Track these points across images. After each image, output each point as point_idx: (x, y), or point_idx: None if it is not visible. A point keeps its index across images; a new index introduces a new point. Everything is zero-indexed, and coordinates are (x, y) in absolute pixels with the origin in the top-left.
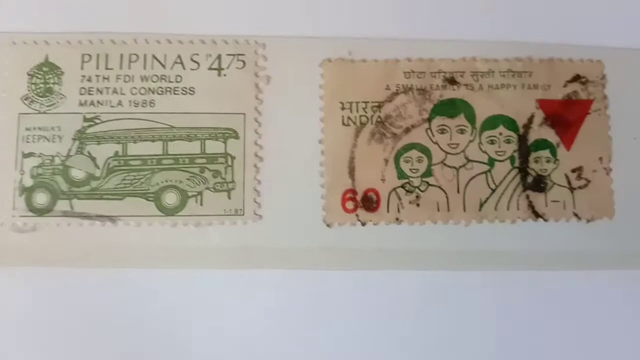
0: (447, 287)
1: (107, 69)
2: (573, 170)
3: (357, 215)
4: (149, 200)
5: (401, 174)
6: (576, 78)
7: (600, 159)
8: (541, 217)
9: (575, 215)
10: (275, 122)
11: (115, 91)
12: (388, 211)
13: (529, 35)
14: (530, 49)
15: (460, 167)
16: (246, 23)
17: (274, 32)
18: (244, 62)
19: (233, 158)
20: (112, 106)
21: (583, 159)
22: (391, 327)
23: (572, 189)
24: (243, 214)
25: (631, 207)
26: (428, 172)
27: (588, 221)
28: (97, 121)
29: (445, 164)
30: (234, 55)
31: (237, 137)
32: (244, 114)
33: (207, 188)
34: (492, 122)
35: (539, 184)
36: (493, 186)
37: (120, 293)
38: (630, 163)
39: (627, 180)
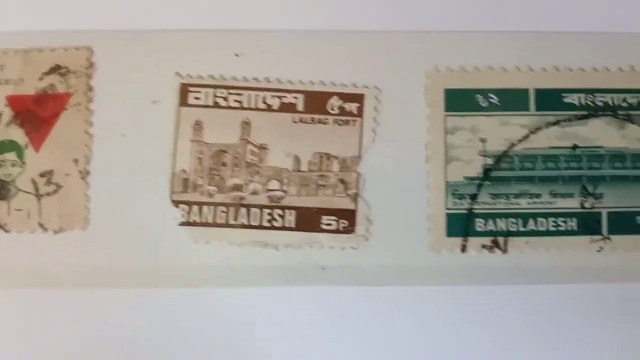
0: None
1: None
2: (42, 175)
3: None
4: None
5: None
6: (55, 69)
7: (76, 160)
8: (2, 227)
9: (41, 225)
10: None
11: None
12: None
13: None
14: (7, 39)
15: None
16: None
17: None
18: None
19: None
20: None
21: (55, 162)
22: None
23: (39, 196)
24: None
25: (111, 216)
26: None
27: (55, 232)
28: None
29: None
30: None
31: None
32: None
33: None
34: None
35: (1, 191)
36: None
37: None
38: (116, 164)
39: (110, 184)
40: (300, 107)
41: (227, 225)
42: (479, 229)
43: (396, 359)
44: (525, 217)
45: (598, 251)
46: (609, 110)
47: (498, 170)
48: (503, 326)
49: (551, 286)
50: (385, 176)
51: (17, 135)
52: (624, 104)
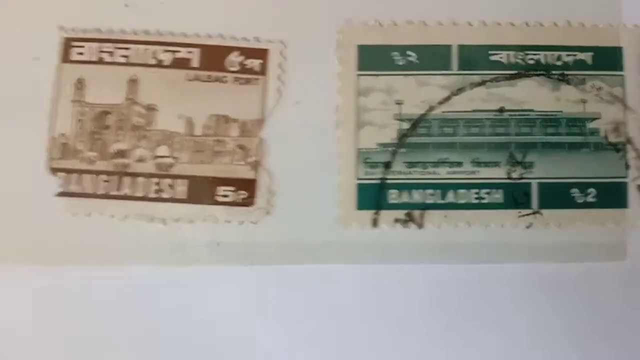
0: None
1: None
2: None
3: None
4: None
5: None
6: None
7: None
8: None
9: None
10: None
11: None
12: None
13: None
14: None
15: None
16: None
17: None
18: None
19: None
20: None
21: None
22: None
23: None
24: None
25: None
26: None
27: None
28: None
29: None
30: None
31: None
32: None
33: None
34: None
35: None
36: None
37: None
38: None
39: None
40: (195, 63)
41: (109, 196)
42: (392, 201)
43: (301, 344)
44: (444, 188)
45: (527, 227)
46: (542, 70)
47: (415, 136)
48: (417, 309)
49: (473, 265)
50: (291, 142)
51: None
52: (559, 63)
